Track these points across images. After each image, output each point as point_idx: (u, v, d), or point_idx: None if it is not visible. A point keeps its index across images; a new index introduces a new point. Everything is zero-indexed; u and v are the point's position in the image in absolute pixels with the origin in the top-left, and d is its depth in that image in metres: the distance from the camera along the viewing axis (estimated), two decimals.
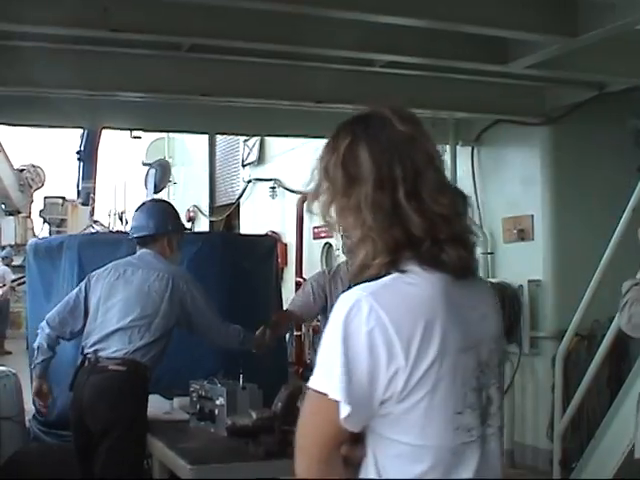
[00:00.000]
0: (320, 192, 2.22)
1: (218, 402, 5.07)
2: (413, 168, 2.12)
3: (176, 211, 6.02)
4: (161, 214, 5.76)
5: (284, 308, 6.72)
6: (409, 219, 2.09)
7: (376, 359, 2.00)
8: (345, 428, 2.03)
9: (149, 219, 5.68)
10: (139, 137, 19.07)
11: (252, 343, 5.62)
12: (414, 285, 2.07)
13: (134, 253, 5.69)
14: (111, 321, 5.27)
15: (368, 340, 2.00)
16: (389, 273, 2.09)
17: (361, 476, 2.11)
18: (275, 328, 5.87)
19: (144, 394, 5.25)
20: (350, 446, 2.10)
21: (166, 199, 6.15)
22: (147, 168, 15.19)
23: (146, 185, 14.55)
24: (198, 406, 5.27)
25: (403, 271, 2.09)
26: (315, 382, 2.05)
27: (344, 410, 2.00)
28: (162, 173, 15.00)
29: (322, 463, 2.07)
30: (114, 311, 5.31)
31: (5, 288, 20.50)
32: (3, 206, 28.77)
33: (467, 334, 2.10)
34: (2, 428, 7.35)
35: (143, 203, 6.30)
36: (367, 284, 2.07)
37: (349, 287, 2.11)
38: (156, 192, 14.49)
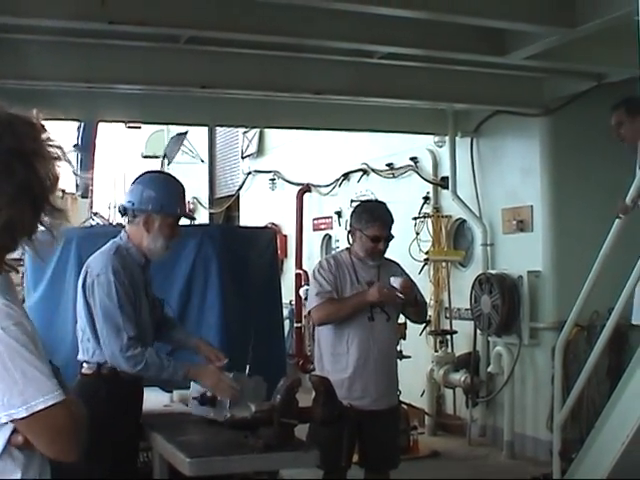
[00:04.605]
0: None
1: None
2: None
3: (176, 190, 5.02)
4: (145, 187, 4.87)
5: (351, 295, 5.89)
6: None
7: None
8: None
9: (130, 192, 4.95)
10: (138, 127, 18.97)
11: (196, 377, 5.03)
12: None
13: None
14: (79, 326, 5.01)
15: None
16: None
17: None
18: (388, 297, 5.69)
19: (109, 395, 4.78)
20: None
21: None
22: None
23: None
24: (199, 390, 5.19)
25: None
26: None
27: None
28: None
29: None
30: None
31: None
32: None
33: None
34: None
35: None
36: None
37: None
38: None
